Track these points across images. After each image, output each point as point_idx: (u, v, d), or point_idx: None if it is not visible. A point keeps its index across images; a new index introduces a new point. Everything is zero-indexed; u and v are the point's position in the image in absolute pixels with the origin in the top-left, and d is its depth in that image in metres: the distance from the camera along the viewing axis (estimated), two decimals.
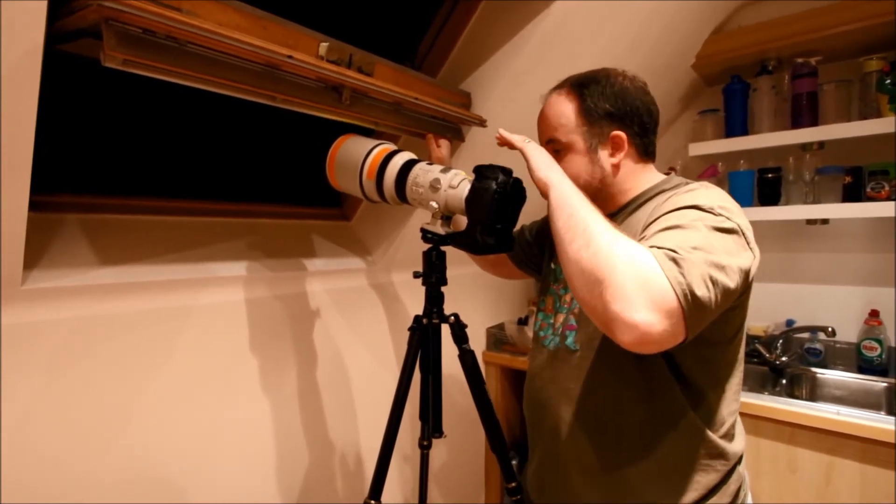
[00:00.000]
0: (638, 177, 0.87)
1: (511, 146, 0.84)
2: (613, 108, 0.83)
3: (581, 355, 0.85)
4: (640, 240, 0.74)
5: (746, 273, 0.69)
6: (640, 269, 0.61)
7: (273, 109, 0.92)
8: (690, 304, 0.60)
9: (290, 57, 0.80)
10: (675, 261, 0.62)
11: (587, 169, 0.85)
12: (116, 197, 1.01)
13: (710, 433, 0.80)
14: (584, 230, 0.68)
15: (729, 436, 0.83)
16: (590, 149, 0.85)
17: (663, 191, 0.84)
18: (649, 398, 0.79)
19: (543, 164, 0.79)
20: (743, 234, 0.71)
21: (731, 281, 0.65)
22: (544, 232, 1.07)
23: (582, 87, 0.85)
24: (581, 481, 0.85)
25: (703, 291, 0.61)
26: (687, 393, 0.78)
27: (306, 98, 0.92)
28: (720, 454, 0.81)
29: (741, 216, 0.74)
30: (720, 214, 0.71)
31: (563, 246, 0.71)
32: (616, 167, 0.86)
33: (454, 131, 1.26)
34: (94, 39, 0.67)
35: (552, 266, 0.98)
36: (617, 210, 0.88)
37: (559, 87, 0.90)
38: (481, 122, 1.25)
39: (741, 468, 0.86)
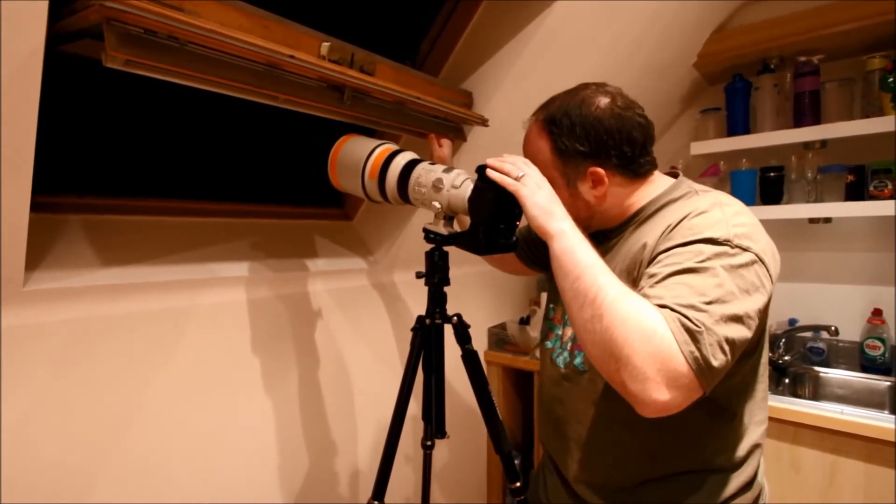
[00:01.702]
0: (633, 196, 0.82)
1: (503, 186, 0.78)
2: (584, 147, 0.78)
3: (589, 378, 0.82)
4: (650, 263, 0.72)
5: (763, 310, 0.67)
6: (657, 347, 0.60)
7: (275, 109, 0.92)
8: (707, 375, 0.60)
9: (291, 57, 0.80)
10: (690, 332, 0.60)
11: (570, 203, 0.80)
12: (118, 198, 1.01)
13: (732, 449, 0.77)
14: (594, 299, 0.65)
15: (753, 450, 0.80)
16: (569, 184, 0.82)
17: (671, 201, 0.80)
18: (665, 420, 0.75)
19: (539, 210, 0.74)
20: (761, 260, 0.68)
21: (749, 329, 0.64)
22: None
23: (552, 123, 0.80)
24: (589, 494, 0.83)
25: (719, 361, 0.61)
26: (708, 411, 0.74)
27: (308, 98, 0.92)
28: (740, 470, 0.78)
29: (757, 233, 0.71)
30: (737, 247, 0.67)
31: (571, 310, 0.68)
32: (600, 198, 0.81)
33: (456, 131, 1.26)
34: (95, 40, 0.66)
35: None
36: (620, 224, 0.84)
37: (534, 117, 0.85)
38: (483, 122, 1.25)
39: (760, 478, 0.82)
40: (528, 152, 0.86)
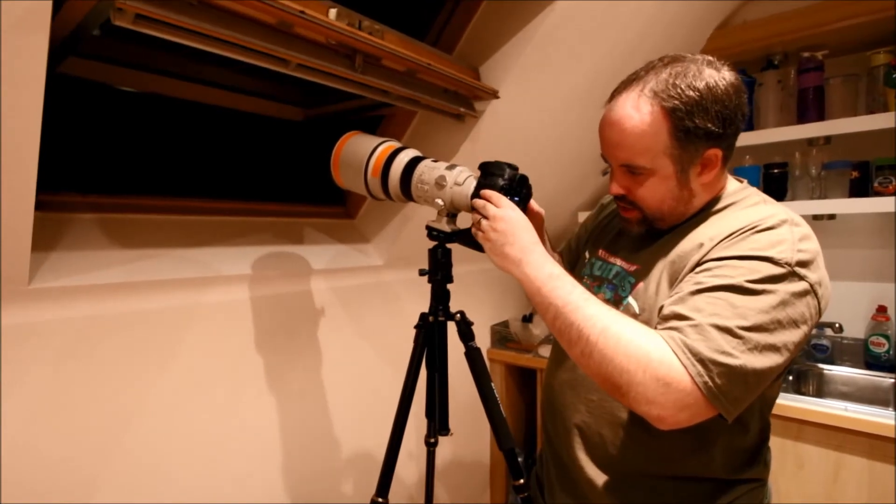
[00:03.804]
0: (715, 186, 0.76)
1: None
2: (716, 126, 0.68)
3: None
4: (699, 265, 0.68)
5: (801, 343, 0.64)
6: (655, 372, 0.60)
7: (276, 109, 0.92)
8: (723, 403, 0.60)
9: (302, 13, 0.77)
10: (703, 362, 0.59)
11: (673, 194, 0.73)
12: (122, 196, 1.02)
13: (745, 450, 0.76)
14: (577, 337, 0.64)
15: (763, 449, 0.79)
16: (679, 172, 0.71)
17: (737, 202, 0.75)
18: None
19: (497, 261, 0.75)
20: (815, 292, 0.64)
21: (783, 360, 0.62)
22: (587, 231, 1.04)
23: (676, 100, 0.67)
24: (594, 491, 0.82)
25: (740, 391, 0.60)
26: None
27: (319, 61, 0.88)
28: (751, 468, 0.78)
29: (818, 262, 0.66)
30: (794, 275, 0.62)
31: (560, 342, 0.68)
32: (706, 185, 0.74)
33: (466, 104, 1.23)
34: (98, 37, 0.66)
35: (587, 256, 0.92)
36: (684, 220, 0.77)
37: (637, 97, 0.70)
38: (494, 94, 1.21)
39: (768, 483, 0.82)
40: (626, 142, 0.71)
